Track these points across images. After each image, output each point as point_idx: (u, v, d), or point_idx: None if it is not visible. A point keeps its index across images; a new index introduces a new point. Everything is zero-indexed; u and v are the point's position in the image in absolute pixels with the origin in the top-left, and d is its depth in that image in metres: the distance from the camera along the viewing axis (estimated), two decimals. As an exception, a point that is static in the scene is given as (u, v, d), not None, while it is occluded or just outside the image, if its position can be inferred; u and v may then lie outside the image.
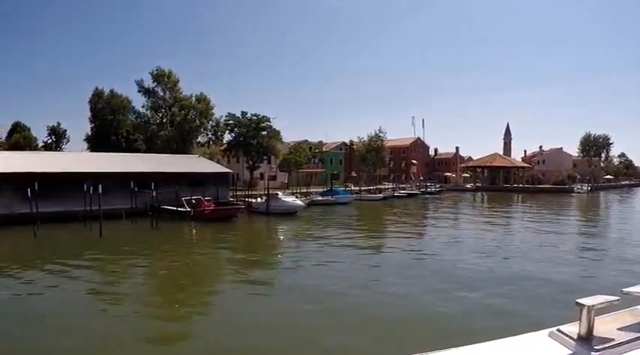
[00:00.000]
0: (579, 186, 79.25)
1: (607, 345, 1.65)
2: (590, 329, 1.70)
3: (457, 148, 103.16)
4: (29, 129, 69.67)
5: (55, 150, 65.83)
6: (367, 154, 75.53)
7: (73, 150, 64.27)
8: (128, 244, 22.32)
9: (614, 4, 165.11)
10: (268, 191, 37.92)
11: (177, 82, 54.60)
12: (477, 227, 29.95)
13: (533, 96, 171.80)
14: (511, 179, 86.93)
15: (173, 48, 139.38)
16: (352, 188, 59.91)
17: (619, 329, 1.77)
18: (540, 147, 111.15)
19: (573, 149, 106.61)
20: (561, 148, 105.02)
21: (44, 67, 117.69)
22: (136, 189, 30.71)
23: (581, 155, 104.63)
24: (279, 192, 39.46)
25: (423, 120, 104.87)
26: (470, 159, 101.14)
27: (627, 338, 1.70)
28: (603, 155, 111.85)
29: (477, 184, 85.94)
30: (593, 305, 1.69)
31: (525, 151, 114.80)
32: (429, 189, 71.59)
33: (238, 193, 42.72)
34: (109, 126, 62.47)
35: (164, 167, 37.66)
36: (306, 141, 78.31)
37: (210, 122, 56.31)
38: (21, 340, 9.19)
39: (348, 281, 14.02)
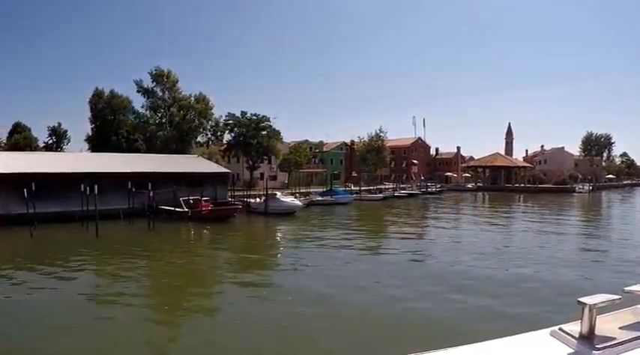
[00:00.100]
0: (581, 186, 78.88)
1: (608, 344, 1.67)
2: (591, 328, 1.71)
3: (458, 148, 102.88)
4: (30, 130, 69.85)
5: (56, 151, 65.92)
6: (368, 154, 75.35)
7: (74, 151, 64.42)
8: (123, 244, 22.19)
9: (614, 4, 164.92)
10: (267, 191, 37.80)
11: (177, 81, 54.53)
12: (477, 227, 29.68)
13: (534, 96, 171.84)
14: (512, 179, 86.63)
15: (173, 48, 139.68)
16: (352, 188, 59.77)
17: (620, 328, 1.79)
18: (542, 146, 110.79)
19: (575, 148, 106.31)
20: (563, 148, 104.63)
21: (44, 67, 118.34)
22: (133, 190, 30.60)
23: (583, 154, 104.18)
24: (277, 192, 39.32)
25: (424, 120, 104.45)
26: (471, 158, 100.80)
27: (629, 337, 1.71)
28: (605, 154, 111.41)
29: (478, 184, 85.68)
30: (594, 304, 1.71)
31: (527, 151, 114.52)
32: (429, 189, 71.33)
33: (238, 193, 42.65)
34: (110, 126, 62.55)
35: (162, 167, 37.59)
36: (306, 141, 78.20)
37: (210, 122, 56.20)
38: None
39: (343, 283, 13.84)
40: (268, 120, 57.77)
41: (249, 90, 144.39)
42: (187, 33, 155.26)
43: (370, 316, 10.54)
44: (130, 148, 56.56)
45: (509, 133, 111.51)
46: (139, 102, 58.56)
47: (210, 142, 59.74)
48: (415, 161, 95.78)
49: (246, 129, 56.14)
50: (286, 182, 63.39)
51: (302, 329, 9.86)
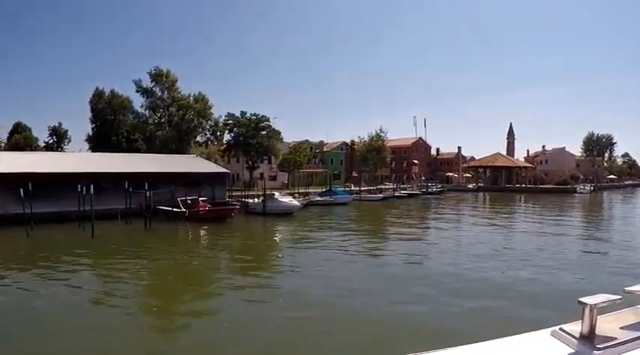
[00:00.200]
0: (582, 186, 78.56)
1: (609, 344, 1.66)
2: (592, 327, 1.71)
3: (459, 148, 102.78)
4: (30, 130, 70.03)
5: (57, 151, 66.01)
6: (368, 154, 75.31)
7: (74, 151, 64.50)
8: (119, 245, 22.08)
9: (614, 4, 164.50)
10: (265, 191, 37.73)
11: (176, 81, 54.51)
12: (476, 229, 29.45)
13: (534, 97, 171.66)
14: (513, 179, 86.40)
15: (173, 48, 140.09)
16: (352, 188, 59.69)
17: (621, 328, 1.79)
18: (543, 146, 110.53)
19: (576, 149, 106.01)
20: (564, 148, 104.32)
21: (44, 67, 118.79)
22: (130, 190, 30.58)
23: (584, 155, 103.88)
24: (275, 193, 39.25)
25: (424, 120, 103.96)
26: (472, 159, 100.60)
27: (629, 337, 1.71)
28: (606, 155, 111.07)
29: (479, 184, 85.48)
30: (595, 304, 1.71)
31: (528, 151, 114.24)
32: (429, 190, 71.22)
33: (236, 193, 42.60)
34: (110, 126, 62.66)
35: (160, 167, 37.58)
36: (307, 141, 78.17)
37: (209, 122, 56.17)
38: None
39: (337, 285, 13.65)
40: (268, 120, 57.78)
41: (249, 91, 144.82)
42: (187, 33, 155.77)
43: (364, 319, 10.38)
44: (130, 148, 56.60)
45: (510, 133, 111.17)
46: (138, 102, 58.68)
47: (210, 142, 59.72)
48: (416, 161, 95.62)
49: (246, 129, 56.11)
50: (286, 182, 63.35)
51: (294, 332, 9.74)
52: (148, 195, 29.10)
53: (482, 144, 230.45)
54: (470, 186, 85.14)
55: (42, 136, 72.46)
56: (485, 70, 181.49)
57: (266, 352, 8.85)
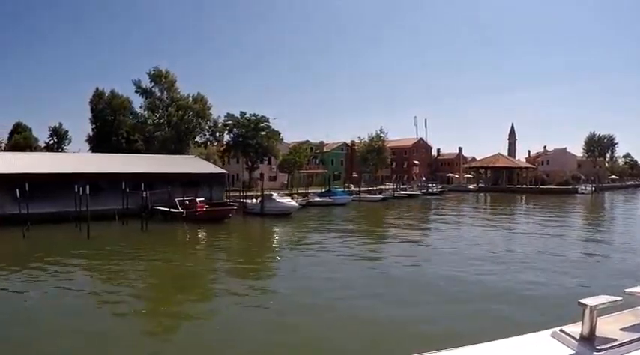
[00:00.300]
0: (583, 187, 78.25)
1: (609, 345, 1.66)
2: (592, 329, 1.71)
3: (460, 149, 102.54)
4: (31, 130, 70.15)
5: (57, 151, 66.05)
6: (368, 155, 75.22)
7: (74, 151, 64.52)
8: (114, 246, 21.99)
9: (614, 4, 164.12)
10: (262, 192, 37.66)
11: (175, 82, 54.47)
12: (475, 230, 29.17)
13: (534, 97, 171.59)
14: (514, 179, 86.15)
15: (173, 48, 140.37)
16: (352, 188, 59.56)
17: (621, 329, 1.79)
18: (544, 147, 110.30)
19: (578, 149, 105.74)
20: (565, 148, 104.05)
21: (44, 67, 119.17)
22: (127, 190, 30.54)
23: (586, 155, 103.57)
24: (273, 193, 39.16)
25: (425, 120, 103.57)
26: (474, 159, 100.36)
27: (629, 339, 1.70)
28: (608, 155, 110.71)
29: (480, 185, 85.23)
30: (595, 305, 1.71)
31: (529, 151, 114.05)
32: (430, 190, 71.05)
33: (233, 194, 42.51)
34: (110, 126, 62.70)
35: (158, 167, 37.54)
36: (307, 141, 78.10)
37: (208, 122, 56.13)
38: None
39: (331, 288, 13.50)
40: (267, 121, 57.68)
41: (249, 91, 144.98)
42: (187, 33, 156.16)
43: (360, 322, 10.27)
44: (130, 149, 56.63)
45: (512, 134, 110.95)
46: (138, 103, 58.70)
47: (209, 143, 59.69)
48: (417, 162, 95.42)
49: (245, 129, 56.05)
50: (286, 182, 63.27)
51: (288, 335, 9.64)
52: (145, 195, 29.07)
53: (483, 145, 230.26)
54: (471, 186, 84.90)
55: (42, 136, 72.81)
56: (485, 70, 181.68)
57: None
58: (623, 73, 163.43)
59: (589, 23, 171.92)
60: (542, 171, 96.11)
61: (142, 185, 29.57)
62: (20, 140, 64.07)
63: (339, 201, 47.47)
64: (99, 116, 63.37)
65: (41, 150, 65.37)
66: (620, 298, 1.81)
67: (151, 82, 53.67)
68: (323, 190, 52.36)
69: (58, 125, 72.14)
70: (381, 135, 75.80)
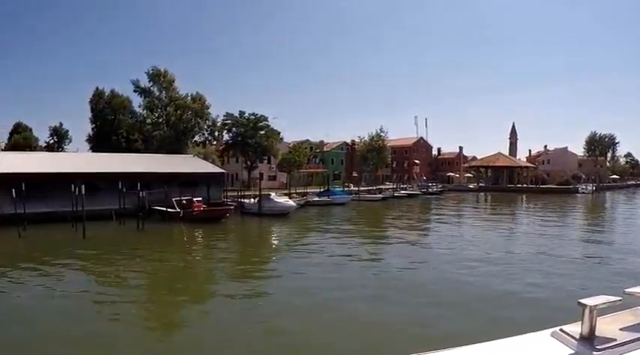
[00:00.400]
0: (584, 186, 78.01)
1: (609, 345, 1.67)
2: (592, 329, 1.72)
3: (460, 148, 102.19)
4: (31, 130, 70.15)
5: (57, 151, 66.10)
6: (368, 154, 75.14)
7: (74, 151, 64.58)
8: (109, 246, 21.94)
9: (614, 4, 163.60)
10: (260, 191, 37.58)
11: (173, 81, 54.35)
12: (474, 231, 28.94)
13: (534, 97, 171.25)
14: (515, 179, 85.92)
15: (173, 48, 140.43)
16: (352, 188, 59.46)
17: (621, 329, 1.79)
18: (545, 146, 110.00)
19: (579, 149, 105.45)
20: (566, 148, 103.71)
21: (44, 67, 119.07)
22: (124, 190, 30.50)
23: (587, 155, 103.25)
24: (271, 193, 39.08)
25: (426, 119, 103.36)
26: (474, 159, 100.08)
27: (629, 339, 1.71)
28: (609, 155, 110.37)
29: (480, 184, 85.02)
30: (595, 305, 1.72)
31: (530, 151, 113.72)
32: (430, 190, 70.87)
33: (231, 194, 42.42)
34: (110, 126, 62.68)
35: (156, 167, 37.49)
36: (307, 140, 78.03)
37: (207, 122, 56.09)
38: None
39: (326, 290, 13.36)
40: (266, 120, 57.64)
41: (249, 91, 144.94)
42: (187, 33, 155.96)
43: (356, 323, 10.18)
44: (130, 148, 56.61)
45: (513, 133, 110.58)
46: (137, 103, 58.71)
47: (208, 142, 59.65)
48: (417, 161, 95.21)
49: (244, 128, 56.01)
50: (285, 182, 63.19)
51: (284, 337, 9.54)
52: (142, 195, 29.03)
53: (483, 144, 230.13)
54: (471, 186, 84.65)
55: (42, 136, 72.78)
56: (485, 70, 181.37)
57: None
58: (623, 73, 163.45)
59: (589, 23, 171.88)
60: (542, 170, 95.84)
61: (139, 185, 29.49)
62: (20, 140, 64.11)
63: (338, 201, 47.35)
64: (99, 116, 63.37)
65: (41, 150, 65.37)
66: (620, 298, 1.82)
67: (149, 81, 53.66)
68: (321, 189, 52.27)
69: (58, 125, 72.27)
70: (381, 134, 75.78)
